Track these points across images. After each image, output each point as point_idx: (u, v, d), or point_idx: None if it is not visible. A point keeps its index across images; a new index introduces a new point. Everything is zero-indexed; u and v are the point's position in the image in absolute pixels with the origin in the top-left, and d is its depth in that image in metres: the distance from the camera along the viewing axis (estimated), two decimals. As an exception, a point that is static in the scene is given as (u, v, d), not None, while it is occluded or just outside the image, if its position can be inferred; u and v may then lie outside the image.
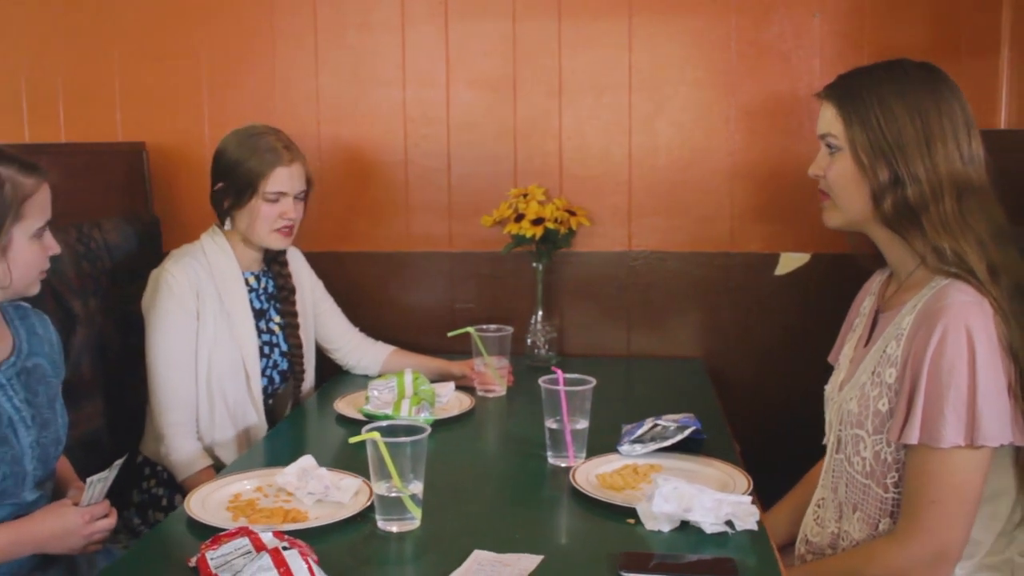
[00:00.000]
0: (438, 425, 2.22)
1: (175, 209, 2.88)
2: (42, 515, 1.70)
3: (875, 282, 1.85)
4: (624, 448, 1.94)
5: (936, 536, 1.52)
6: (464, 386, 2.49)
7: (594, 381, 1.95)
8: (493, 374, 2.47)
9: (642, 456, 1.92)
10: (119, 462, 1.74)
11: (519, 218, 2.71)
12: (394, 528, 1.62)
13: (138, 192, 2.80)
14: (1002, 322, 1.52)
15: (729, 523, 1.57)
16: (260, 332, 2.43)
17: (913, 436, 1.52)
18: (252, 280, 2.45)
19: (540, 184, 2.81)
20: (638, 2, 2.74)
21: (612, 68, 2.78)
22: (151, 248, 2.69)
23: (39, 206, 1.72)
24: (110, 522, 1.75)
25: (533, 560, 1.48)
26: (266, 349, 2.44)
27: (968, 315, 1.51)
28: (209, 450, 2.30)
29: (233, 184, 2.35)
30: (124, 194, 2.75)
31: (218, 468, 2.24)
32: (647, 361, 2.84)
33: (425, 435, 1.62)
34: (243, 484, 1.82)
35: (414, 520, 1.63)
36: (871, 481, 1.64)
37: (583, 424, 1.95)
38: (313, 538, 1.56)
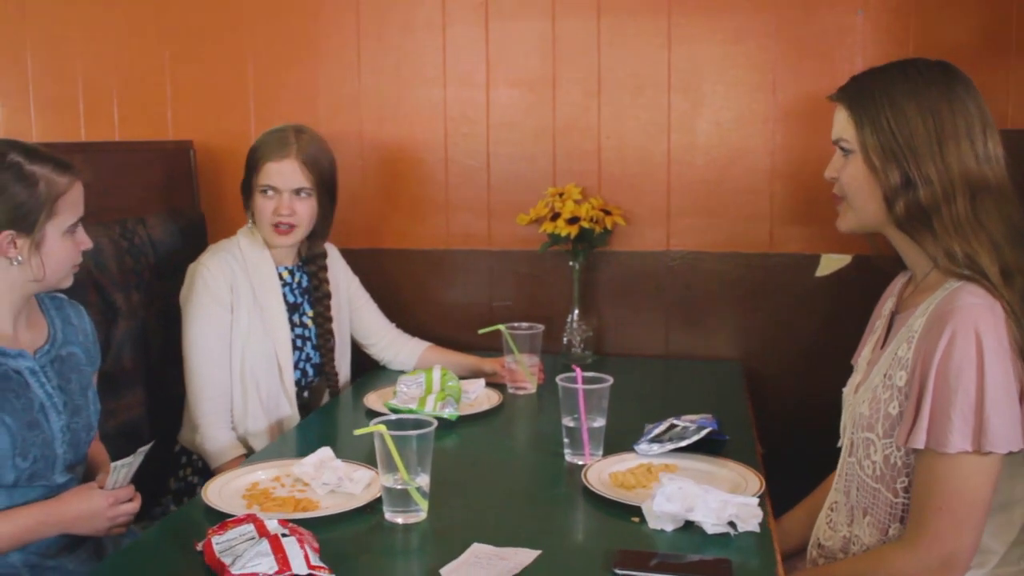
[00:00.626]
0: (463, 421, 2.25)
1: (220, 206, 2.95)
2: (69, 497, 1.76)
3: (898, 284, 1.82)
4: (641, 447, 1.94)
5: (944, 543, 1.49)
6: (496, 383, 2.51)
7: (611, 380, 1.95)
8: (524, 371, 2.48)
9: (658, 456, 1.91)
10: (144, 448, 1.80)
11: (555, 217, 2.72)
12: (400, 520, 1.64)
13: (185, 189, 2.88)
14: (1014, 325, 1.49)
15: (732, 524, 1.56)
16: (293, 326, 2.48)
17: (920, 440, 1.49)
18: (286, 274, 2.50)
19: (578, 183, 2.82)
20: (677, 0, 2.73)
21: (651, 67, 2.77)
22: (196, 244, 2.75)
23: (72, 203, 1.79)
24: (134, 506, 1.81)
25: (530, 555, 1.49)
26: (299, 342, 2.49)
27: (978, 318, 1.47)
28: (243, 440, 2.36)
29: (245, 178, 2.43)
30: (171, 191, 2.83)
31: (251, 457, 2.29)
32: (684, 362, 2.82)
33: (431, 429, 1.64)
34: (262, 473, 1.86)
35: (420, 512, 1.65)
36: (881, 485, 1.61)
37: (600, 422, 1.95)
38: (321, 527, 1.60)
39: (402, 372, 2.60)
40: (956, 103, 1.57)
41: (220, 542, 1.48)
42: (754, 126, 2.74)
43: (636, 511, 1.63)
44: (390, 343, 2.71)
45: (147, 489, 2.11)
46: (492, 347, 2.58)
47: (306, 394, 2.55)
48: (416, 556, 1.57)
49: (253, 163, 2.43)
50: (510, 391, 2.49)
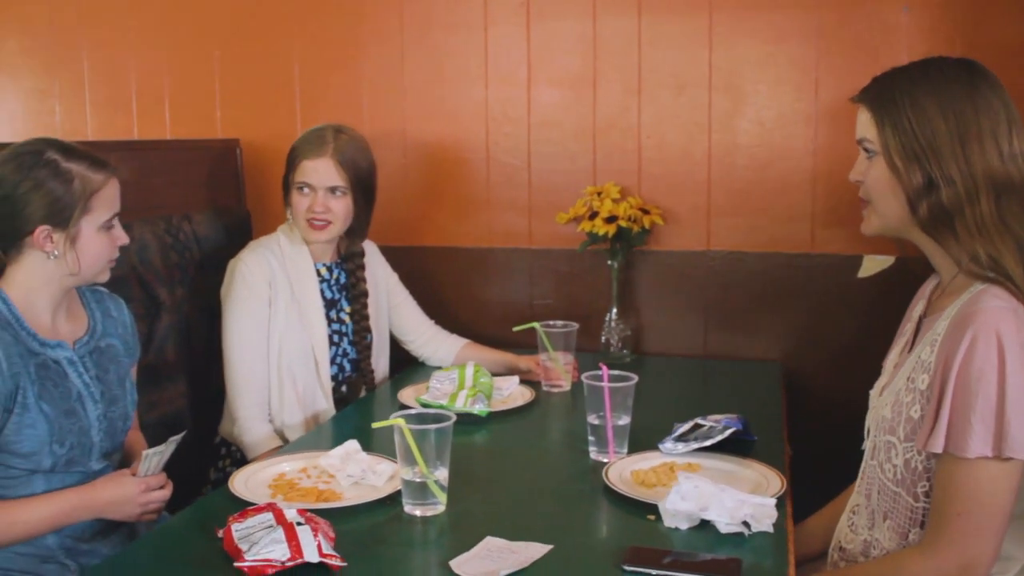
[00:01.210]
0: (495, 417, 2.27)
1: (266, 203, 3.00)
2: (103, 483, 1.82)
3: (928, 287, 1.79)
4: (666, 446, 1.94)
5: (962, 549, 1.47)
6: (531, 381, 2.53)
7: (636, 378, 1.96)
8: (559, 369, 2.49)
9: (682, 455, 1.91)
10: (176, 438, 1.85)
11: (593, 216, 2.73)
12: (418, 512, 1.67)
13: (231, 187, 2.94)
14: (1038, 328, 1.45)
15: (747, 524, 1.56)
16: (330, 321, 2.52)
17: (938, 444, 1.47)
18: (324, 271, 2.54)
19: (618, 182, 2.82)
20: (719, -1, 2.72)
21: (692, 66, 2.76)
22: (241, 241, 2.80)
23: (107, 200, 1.84)
24: (165, 493, 1.86)
25: (541, 549, 1.51)
26: (335, 338, 2.53)
27: (999, 321, 1.45)
28: (279, 432, 2.41)
29: (285, 174, 2.47)
30: (218, 189, 2.89)
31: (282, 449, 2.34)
32: (722, 362, 2.80)
33: (449, 424, 1.66)
34: (289, 464, 1.90)
35: (439, 505, 1.67)
36: (901, 489, 1.59)
37: (625, 420, 1.96)
38: (341, 517, 1.63)
39: (438, 368, 2.63)
40: (980, 101, 1.54)
41: (239, 529, 1.51)
42: (796, 126, 2.72)
43: (653, 509, 1.64)
44: (428, 340, 2.74)
45: (188, 479, 2.17)
46: (531, 344, 2.58)
47: (343, 388, 2.59)
48: (431, 548, 1.59)
49: (291, 160, 2.48)
50: (544, 388, 2.50)
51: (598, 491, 1.77)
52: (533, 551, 1.50)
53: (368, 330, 2.59)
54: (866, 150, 1.65)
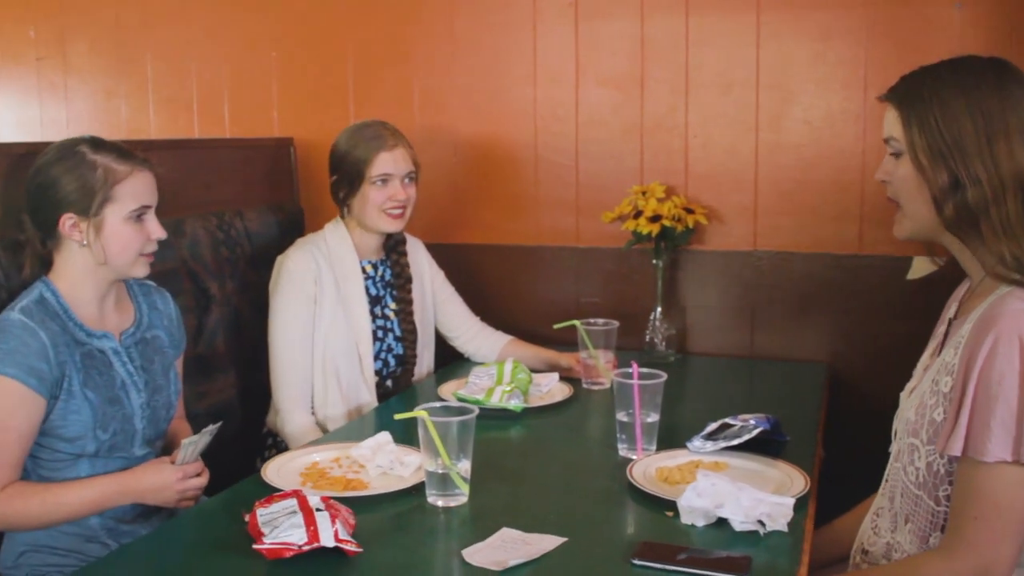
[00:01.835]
0: (532, 412, 2.30)
1: (319, 200, 3.07)
2: (143, 469, 1.89)
3: (962, 289, 1.77)
4: (694, 444, 1.94)
5: (979, 554, 1.45)
6: (572, 378, 2.55)
7: (664, 376, 1.97)
8: (599, 367, 2.51)
9: (710, 453, 1.91)
10: (212, 428, 1.91)
11: (637, 215, 2.73)
12: (440, 502, 1.70)
13: (285, 184, 3.02)
14: (1062, 332, 1.43)
15: (762, 523, 1.56)
16: (375, 317, 2.57)
17: (957, 447, 1.45)
18: (369, 268, 2.60)
19: (665, 181, 2.82)
20: (766, -3, 2.71)
21: (739, 65, 2.75)
22: (294, 236, 2.86)
23: (133, 191, 1.89)
24: (201, 481, 1.92)
25: (555, 541, 1.53)
26: (380, 333, 2.58)
27: (1022, 324, 1.42)
28: (322, 424, 2.47)
29: (345, 175, 2.51)
30: (272, 186, 2.97)
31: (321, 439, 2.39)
32: (768, 363, 2.79)
33: (471, 416, 1.69)
34: (321, 454, 1.96)
35: (462, 496, 1.70)
36: (923, 492, 1.57)
37: (654, 417, 1.97)
38: (365, 506, 1.68)
39: (480, 364, 2.66)
40: (1008, 100, 1.52)
41: (264, 514, 1.56)
42: (845, 125, 2.69)
43: (672, 505, 1.64)
44: (473, 336, 2.78)
45: (235, 468, 2.24)
46: (576, 342, 2.59)
47: (388, 383, 2.64)
48: (447, 537, 1.62)
49: (361, 157, 2.50)
50: (584, 386, 2.51)
51: (621, 487, 1.78)
52: (546, 543, 1.52)
53: (413, 324, 2.64)
54: (893, 149, 1.63)
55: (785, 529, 1.55)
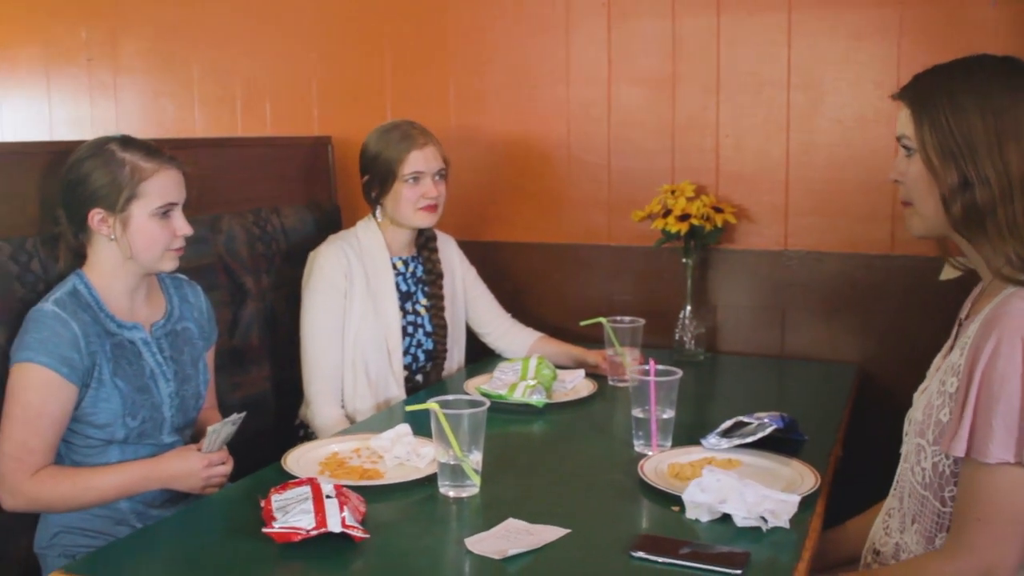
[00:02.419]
0: (555, 407, 2.33)
1: (356, 198, 3.10)
2: (169, 456, 1.96)
3: (977, 289, 1.76)
4: (708, 441, 1.96)
5: (981, 556, 1.44)
6: (598, 374, 2.57)
7: (680, 373, 1.99)
8: (626, 364, 2.52)
9: (724, 450, 1.93)
10: (236, 417, 1.96)
11: (667, 214, 2.75)
12: (452, 493, 1.74)
13: (322, 182, 3.08)
14: (1065, 333, 1.42)
15: (764, 519, 1.57)
16: (405, 313, 2.62)
17: (960, 448, 1.45)
18: (400, 264, 2.65)
19: (696, 180, 2.83)
20: (799, -4, 2.70)
21: (770, 64, 2.74)
22: (329, 233, 2.91)
23: (159, 188, 1.96)
24: (226, 469, 1.98)
25: (557, 532, 1.56)
26: (410, 329, 2.63)
27: None
28: (351, 417, 2.52)
29: (376, 174, 2.56)
30: (310, 184, 3.03)
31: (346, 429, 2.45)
32: (798, 363, 2.78)
33: (481, 410, 1.73)
34: (342, 445, 2.01)
35: (473, 487, 1.74)
36: (929, 493, 1.57)
37: (669, 414, 1.99)
38: (379, 495, 1.73)
39: (507, 359, 2.69)
40: (1020, 99, 1.50)
41: (278, 500, 1.62)
42: (877, 125, 2.67)
43: (679, 500, 1.66)
44: (504, 332, 2.81)
45: (267, 458, 2.30)
46: (603, 339, 2.62)
47: (418, 378, 2.69)
48: (454, 526, 1.66)
49: (393, 156, 2.55)
50: (611, 383, 2.54)
51: (631, 482, 1.80)
52: (549, 534, 1.55)
53: (444, 320, 2.68)
54: (905, 148, 1.64)
55: (787, 526, 1.56)
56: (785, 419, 1.97)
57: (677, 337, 2.83)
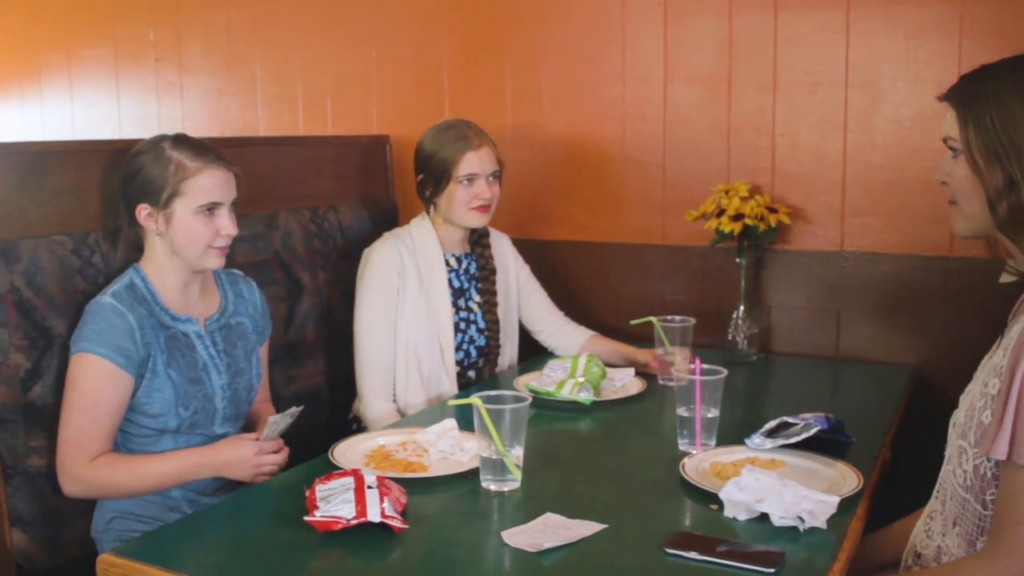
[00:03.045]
0: (603, 405, 2.35)
1: (414, 196, 3.15)
2: (222, 445, 2.01)
3: (1027, 290, 1.73)
4: (753, 441, 1.95)
5: (1021, 559, 1.42)
6: (651, 374, 2.57)
7: (725, 372, 1.99)
8: (676, 363, 2.52)
9: (769, 450, 1.92)
10: (294, 410, 2.01)
11: (720, 213, 2.74)
12: (493, 487, 1.76)
13: (380, 180, 3.13)
14: (1109, 335, 1.39)
15: (802, 519, 1.57)
16: (458, 309, 2.65)
17: (1001, 451, 1.43)
18: (453, 261, 2.68)
19: (751, 180, 2.81)
20: (857, -7, 2.67)
21: (827, 63, 2.72)
22: (386, 231, 2.98)
23: (202, 187, 1.99)
24: (279, 458, 2.02)
25: (594, 527, 1.57)
26: (462, 325, 2.66)
27: None
28: (403, 411, 2.56)
29: (431, 174, 2.60)
30: (367, 181, 3.08)
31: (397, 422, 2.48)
32: (853, 365, 2.75)
33: (523, 405, 1.75)
34: (391, 437, 2.05)
35: (514, 481, 1.76)
36: (970, 496, 1.55)
37: (714, 413, 1.99)
38: (422, 487, 1.77)
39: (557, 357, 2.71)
40: (1068, 98, 1.48)
41: (322, 490, 1.66)
42: (936, 124, 2.56)
43: (717, 499, 1.66)
44: (557, 330, 2.83)
45: (320, 451, 2.34)
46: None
47: (470, 374, 2.72)
48: (493, 519, 1.68)
49: (448, 157, 2.58)
50: (661, 382, 2.54)
51: (673, 480, 1.81)
52: (585, 529, 1.57)
53: (496, 315, 2.71)
54: (951, 149, 1.62)
55: (824, 527, 1.55)
56: (830, 420, 1.96)
57: (730, 337, 2.81)
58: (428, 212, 2.69)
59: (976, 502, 1.54)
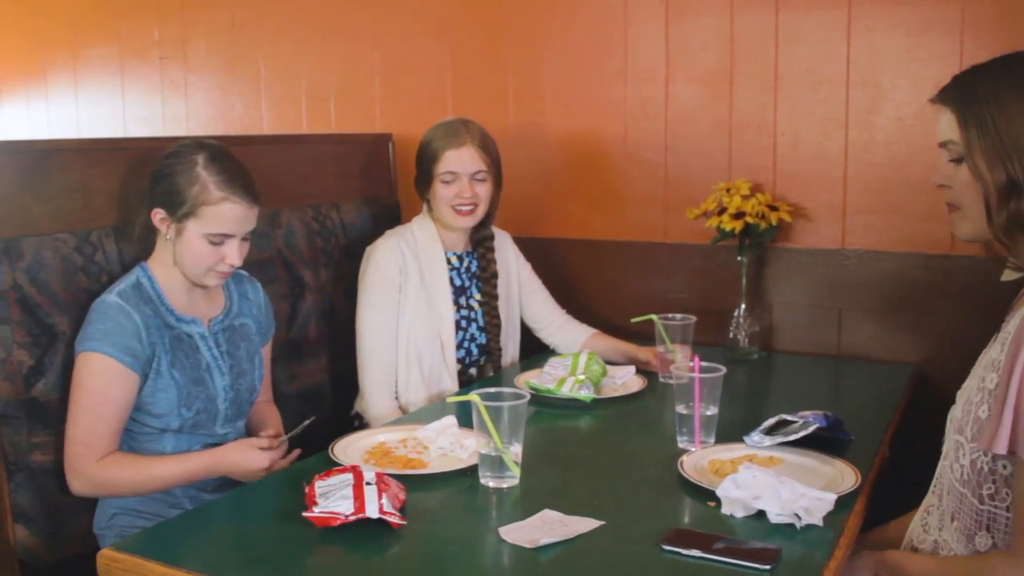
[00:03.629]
0: (603, 403, 2.35)
1: (416, 194, 3.18)
2: (233, 450, 2.01)
3: (1024, 288, 1.73)
4: (752, 439, 1.96)
5: None
6: (652, 372, 2.58)
7: (724, 370, 1.99)
8: (677, 361, 2.53)
9: (767, 448, 1.92)
10: (307, 422, 2.03)
11: (721, 211, 2.74)
12: (492, 483, 1.77)
13: (382, 178, 3.14)
14: (1105, 331, 1.40)
15: (799, 516, 1.57)
16: (459, 307, 2.66)
17: (1001, 445, 1.44)
18: (454, 259, 2.69)
19: (752, 179, 2.82)
20: (858, -9, 2.67)
21: (829, 61, 2.72)
22: (388, 229, 2.99)
23: (217, 217, 1.98)
24: (287, 462, 2.03)
25: (591, 524, 1.58)
26: (463, 323, 2.67)
27: None
28: (404, 409, 2.57)
29: (420, 170, 2.62)
30: (370, 180, 3.09)
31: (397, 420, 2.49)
32: (854, 363, 2.75)
33: (521, 402, 1.76)
34: (391, 434, 2.06)
35: (512, 478, 1.77)
36: (967, 490, 1.56)
37: (713, 411, 1.99)
38: (421, 484, 1.78)
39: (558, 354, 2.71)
40: (1066, 93, 1.48)
41: (321, 486, 1.67)
42: (938, 123, 2.62)
43: (715, 496, 1.67)
44: (559, 328, 2.83)
45: (322, 448, 2.36)
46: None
47: (472, 371, 2.73)
48: (490, 516, 1.68)
49: (431, 154, 2.61)
50: (661, 380, 2.54)
51: (671, 477, 1.82)
52: (582, 525, 1.58)
53: (497, 314, 2.72)
54: (952, 153, 1.61)
55: (821, 524, 1.56)
56: (829, 418, 1.96)
57: (731, 335, 2.82)
58: (428, 209, 2.69)
59: (973, 496, 1.55)
